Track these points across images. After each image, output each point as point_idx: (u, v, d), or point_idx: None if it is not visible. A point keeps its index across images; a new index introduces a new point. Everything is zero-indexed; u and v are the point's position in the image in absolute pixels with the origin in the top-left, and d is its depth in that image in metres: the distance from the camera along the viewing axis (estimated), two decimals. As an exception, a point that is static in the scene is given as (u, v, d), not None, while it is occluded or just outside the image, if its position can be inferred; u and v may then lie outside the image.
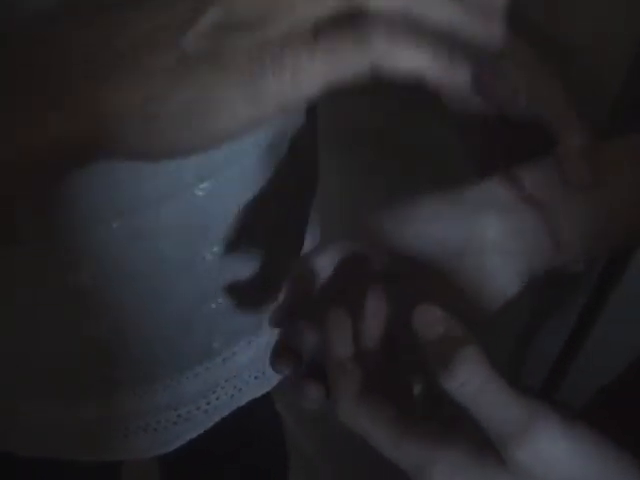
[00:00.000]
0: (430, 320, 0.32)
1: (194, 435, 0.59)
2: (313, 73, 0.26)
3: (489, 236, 0.40)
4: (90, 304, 0.48)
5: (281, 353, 0.41)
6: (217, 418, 0.59)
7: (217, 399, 0.57)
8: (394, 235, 0.40)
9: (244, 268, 0.51)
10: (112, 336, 0.50)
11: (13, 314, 0.48)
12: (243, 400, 0.59)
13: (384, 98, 0.69)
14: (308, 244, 0.62)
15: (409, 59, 0.26)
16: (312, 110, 0.55)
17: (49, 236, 0.43)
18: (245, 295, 0.53)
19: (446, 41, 0.28)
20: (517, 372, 1.10)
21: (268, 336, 0.58)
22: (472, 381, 0.30)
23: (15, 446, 0.56)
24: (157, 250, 0.47)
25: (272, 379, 0.60)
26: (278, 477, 0.78)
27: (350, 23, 0.26)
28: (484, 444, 0.31)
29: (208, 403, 0.57)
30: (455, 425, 0.32)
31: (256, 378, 0.58)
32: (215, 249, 0.48)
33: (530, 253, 0.41)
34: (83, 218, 0.43)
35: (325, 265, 0.41)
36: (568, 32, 0.55)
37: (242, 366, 0.57)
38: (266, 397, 0.70)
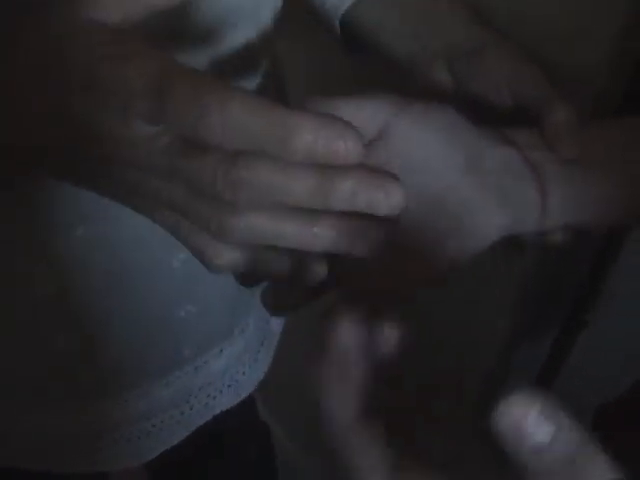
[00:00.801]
0: (528, 418, 0.22)
1: (169, 446, 0.58)
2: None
3: (486, 165, 0.40)
4: (57, 316, 0.48)
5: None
6: (192, 427, 0.59)
7: (191, 408, 0.57)
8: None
9: (212, 275, 0.51)
10: (81, 347, 0.50)
11: None
12: (217, 409, 0.58)
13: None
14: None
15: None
16: None
17: (12, 240, 0.43)
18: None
19: None
20: (504, 379, 1.10)
21: (241, 344, 0.58)
22: None
23: (14, 458, 0.55)
24: (122, 258, 0.46)
25: (246, 387, 0.60)
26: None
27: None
28: None
29: (182, 413, 0.57)
30: None
31: (229, 386, 0.58)
32: (182, 256, 0.48)
33: (517, 203, 0.40)
34: (48, 223, 0.43)
35: None
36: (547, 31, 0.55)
37: (215, 374, 0.57)
38: (250, 406, 0.70)
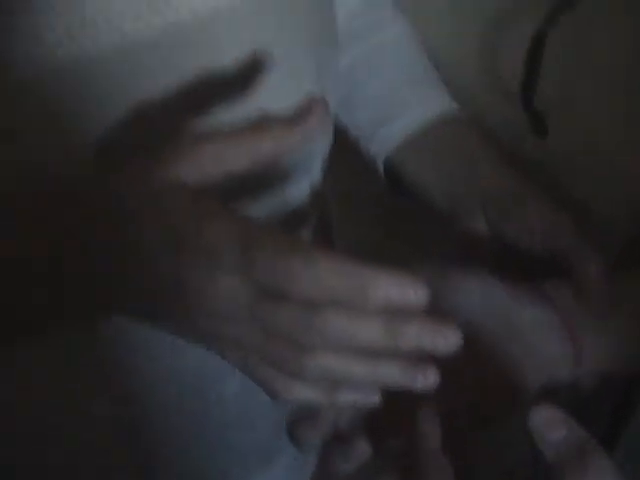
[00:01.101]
0: (550, 420, 0.32)
1: None
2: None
3: (520, 325, 0.43)
4: (111, 435, 0.49)
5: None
6: None
7: None
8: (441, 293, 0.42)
9: (263, 405, 0.53)
10: (132, 467, 0.52)
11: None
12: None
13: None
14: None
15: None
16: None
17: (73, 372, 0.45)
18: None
19: None
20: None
21: (284, 465, 0.59)
22: None
23: None
24: (178, 381, 0.49)
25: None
26: None
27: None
28: None
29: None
30: None
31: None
32: (234, 387, 0.50)
33: (552, 359, 0.43)
34: (110, 356, 0.45)
35: None
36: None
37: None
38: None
